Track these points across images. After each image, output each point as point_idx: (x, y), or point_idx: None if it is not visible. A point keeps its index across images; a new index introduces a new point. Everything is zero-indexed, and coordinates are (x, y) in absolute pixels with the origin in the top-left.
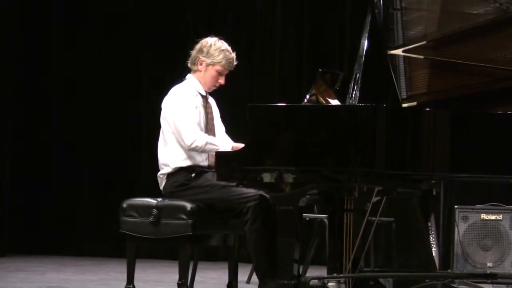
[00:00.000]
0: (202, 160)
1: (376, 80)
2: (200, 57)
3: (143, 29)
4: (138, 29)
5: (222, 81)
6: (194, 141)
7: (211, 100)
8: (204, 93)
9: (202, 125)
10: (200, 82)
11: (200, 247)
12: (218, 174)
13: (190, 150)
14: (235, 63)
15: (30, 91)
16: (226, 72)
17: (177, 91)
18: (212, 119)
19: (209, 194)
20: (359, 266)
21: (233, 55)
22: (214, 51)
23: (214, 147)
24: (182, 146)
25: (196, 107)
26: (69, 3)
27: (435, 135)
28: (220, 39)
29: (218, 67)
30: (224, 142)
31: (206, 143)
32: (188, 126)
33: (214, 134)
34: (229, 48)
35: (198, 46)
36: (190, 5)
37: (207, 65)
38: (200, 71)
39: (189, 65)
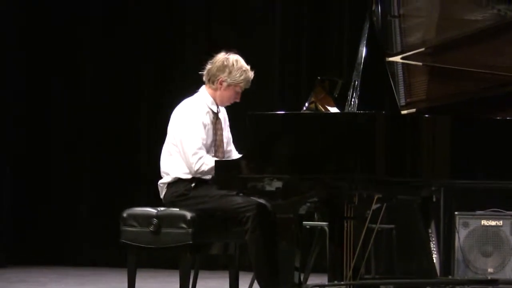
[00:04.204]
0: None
1: (375, 87)
2: (222, 76)
3: (143, 39)
4: (139, 39)
5: (238, 99)
6: (201, 165)
7: (222, 113)
8: (215, 109)
9: (209, 142)
10: (214, 98)
11: (200, 256)
12: (218, 182)
13: (197, 173)
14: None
15: (29, 99)
16: (242, 90)
17: (188, 106)
18: (221, 135)
19: (209, 204)
20: (360, 273)
21: (252, 74)
22: (237, 71)
23: None
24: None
25: (205, 126)
26: (68, 14)
27: (434, 142)
28: (235, 53)
29: (238, 88)
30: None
31: (212, 168)
32: (195, 149)
33: (222, 152)
34: (248, 67)
35: (219, 64)
36: (189, 16)
37: (228, 85)
38: (219, 89)
39: (204, 78)
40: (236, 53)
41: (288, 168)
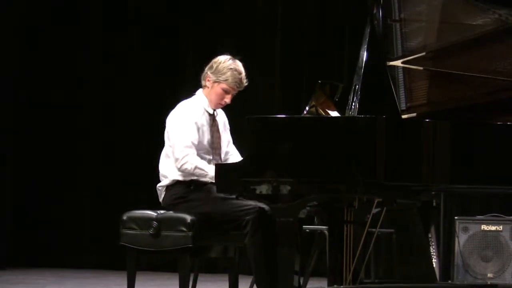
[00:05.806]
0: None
1: (375, 91)
2: (208, 73)
3: (143, 40)
4: (139, 39)
5: (227, 99)
6: (185, 163)
7: (220, 116)
8: (211, 111)
9: (206, 143)
10: (207, 98)
11: (200, 259)
12: (218, 186)
13: (180, 171)
14: (245, 84)
15: (29, 99)
16: (233, 92)
17: (183, 107)
18: (219, 137)
19: (208, 207)
20: (360, 277)
21: (243, 75)
22: (222, 69)
23: (202, 172)
24: None
25: (199, 128)
26: (68, 14)
27: (434, 146)
28: (235, 59)
29: (223, 85)
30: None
31: (195, 168)
32: (181, 146)
33: (219, 154)
34: (239, 68)
35: (210, 64)
36: (190, 18)
37: (213, 82)
38: (208, 87)
39: (201, 80)
40: (237, 60)
41: (287, 171)
